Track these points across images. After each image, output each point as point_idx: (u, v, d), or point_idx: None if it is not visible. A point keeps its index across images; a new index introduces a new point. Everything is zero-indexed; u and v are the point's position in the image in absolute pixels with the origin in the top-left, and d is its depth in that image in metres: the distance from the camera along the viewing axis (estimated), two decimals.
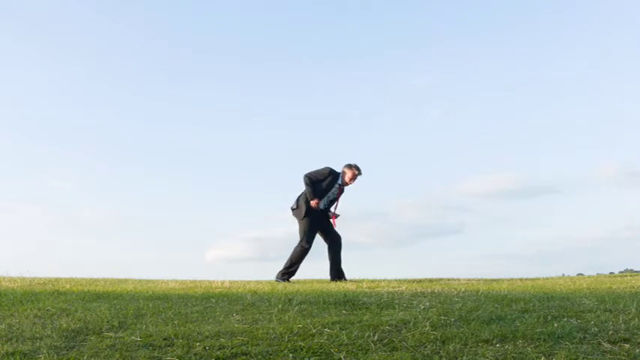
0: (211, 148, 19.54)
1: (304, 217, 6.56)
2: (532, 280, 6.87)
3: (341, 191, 6.74)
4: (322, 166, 6.73)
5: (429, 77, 21.13)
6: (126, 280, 6.70)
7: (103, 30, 20.13)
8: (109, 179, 19.73)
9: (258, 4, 20.15)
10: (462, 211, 21.44)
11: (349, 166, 6.73)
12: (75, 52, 20.24)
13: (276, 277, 6.58)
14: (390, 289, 4.87)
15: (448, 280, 6.87)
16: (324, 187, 6.63)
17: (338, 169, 6.76)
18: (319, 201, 6.57)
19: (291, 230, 7.05)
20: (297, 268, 6.60)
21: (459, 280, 6.85)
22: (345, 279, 6.57)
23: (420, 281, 6.46)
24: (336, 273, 6.59)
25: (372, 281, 6.31)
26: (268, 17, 20.28)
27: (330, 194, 6.70)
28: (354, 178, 6.71)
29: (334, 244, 6.66)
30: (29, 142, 19.71)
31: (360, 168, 6.73)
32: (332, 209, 6.76)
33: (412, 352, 2.39)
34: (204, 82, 19.87)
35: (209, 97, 19.99)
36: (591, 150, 20.79)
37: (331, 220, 6.69)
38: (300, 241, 6.57)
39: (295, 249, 6.58)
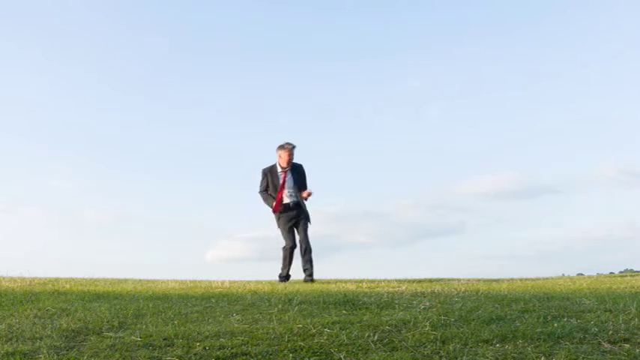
0: (211, 148, 19.56)
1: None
2: (532, 280, 6.87)
3: (285, 174, 6.85)
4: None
5: (428, 77, 21.13)
6: (126, 280, 6.70)
7: (104, 32, 20.14)
8: (109, 179, 19.71)
9: (258, 5, 20.16)
10: (462, 211, 21.43)
11: (279, 148, 6.87)
12: (75, 53, 20.25)
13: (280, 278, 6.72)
14: (390, 289, 4.87)
15: (448, 280, 6.87)
16: (273, 183, 6.87)
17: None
18: (280, 200, 6.78)
19: None
20: (287, 268, 6.77)
21: (459, 280, 6.86)
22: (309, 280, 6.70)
23: (420, 281, 6.46)
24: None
25: (372, 281, 6.31)
26: (267, 19, 20.29)
27: (286, 184, 6.83)
28: (288, 153, 6.82)
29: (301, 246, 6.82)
30: (29, 143, 19.71)
31: (289, 142, 6.87)
32: (290, 192, 6.82)
33: (412, 352, 2.39)
34: (204, 83, 19.87)
35: (209, 98, 19.99)
36: (591, 150, 20.80)
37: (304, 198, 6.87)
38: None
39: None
